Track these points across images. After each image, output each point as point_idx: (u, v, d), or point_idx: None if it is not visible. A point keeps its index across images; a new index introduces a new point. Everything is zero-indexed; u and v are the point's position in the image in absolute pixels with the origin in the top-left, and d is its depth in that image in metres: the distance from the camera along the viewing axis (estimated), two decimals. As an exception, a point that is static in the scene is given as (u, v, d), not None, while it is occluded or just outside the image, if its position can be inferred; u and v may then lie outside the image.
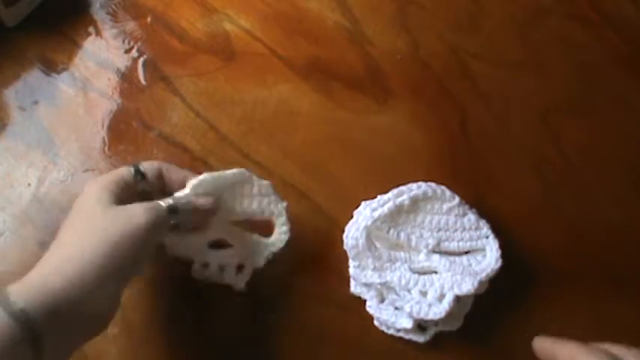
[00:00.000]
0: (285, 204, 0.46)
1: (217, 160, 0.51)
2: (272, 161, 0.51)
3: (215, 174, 0.43)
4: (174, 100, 0.53)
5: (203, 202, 0.42)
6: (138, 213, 0.38)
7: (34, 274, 0.34)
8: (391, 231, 0.46)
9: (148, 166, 0.43)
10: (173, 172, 0.43)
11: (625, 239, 0.52)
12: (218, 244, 0.46)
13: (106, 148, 0.51)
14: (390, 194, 0.47)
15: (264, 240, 0.46)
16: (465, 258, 0.47)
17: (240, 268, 0.46)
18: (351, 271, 0.47)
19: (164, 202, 0.40)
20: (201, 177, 0.43)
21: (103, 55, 0.54)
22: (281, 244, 0.46)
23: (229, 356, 0.46)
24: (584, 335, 0.36)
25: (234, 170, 0.44)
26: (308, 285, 0.48)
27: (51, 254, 0.36)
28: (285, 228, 0.46)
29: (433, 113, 0.55)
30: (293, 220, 0.46)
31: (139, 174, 0.42)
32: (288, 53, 0.56)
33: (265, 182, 0.45)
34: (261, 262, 0.46)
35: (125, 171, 0.41)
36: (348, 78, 0.55)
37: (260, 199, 0.45)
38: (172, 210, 0.40)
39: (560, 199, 0.53)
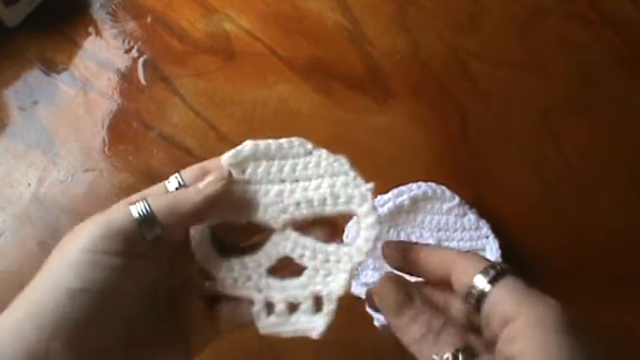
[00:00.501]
0: (370, 185, 0.31)
1: (217, 160, 0.51)
2: (272, 161, 0.51)
3: (260, 143, 0.31)
4: (174, 100, 0.53)
5: (207, 186, 0.29)
6: (78, 229, 0.28)
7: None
8: (391, 231, 0.46)
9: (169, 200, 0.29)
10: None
11: (625, 239, 0.52)
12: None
13: (106, 148, 0.51)
14: (390, 194, 0.47)
15: (345, 249, 0.31)
16: (465, 258, 0.47)
17: (317, 301, 0.32)
18: (351, 271, 0.47)
19: (135, 205, 0.28)
20: (231, 152, 0.31)
21: (103, 55, 0.54)
22: (367, 246, 0.31)
23: (229, 356, 0.46)
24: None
25: (290, 139, 0.31)
26: (308, 285, 0.48)
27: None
28: (371, 220, 0.31)
29: (433, 113, 0.55)
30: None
31: (146, 218, 0.28)
32: (288, 53, 0.56)
33: (338, 156, 0.32)
34: (345, 285, 0.31)
35: (122, 215, 0.28)
36: (348, 78, 0.55)
37: (331, 181, 0.31)
38: (144, 218, 0.28)
39: (560, 199, 0.53)
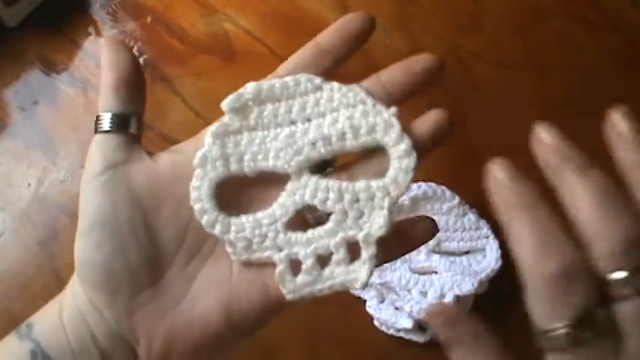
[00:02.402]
0: (393, 110, 0.28)
1: (217, 160, 0.51)
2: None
3: (263, 84, 0.29)
4: (174, 100, 0.53)
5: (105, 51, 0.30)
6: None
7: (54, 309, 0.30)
8: (391, 231, 0.46)
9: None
10: None
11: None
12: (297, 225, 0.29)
13: (106, 148, 0.51)
14: (390, 194, 0.47)
15: (378, 183, 0.28)
16: (464, 258, 0.47)
17: (352, 249, 0.28)
18: (351, 271, 0.47)
19: (99, 127, 0.29)
20: (231, 96, 0.29)
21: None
22: (407, 179, 0.27)
23: (228, 355, 0.46)
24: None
25: (294, 76, 0.29)
26: (308, 285, 0.48)
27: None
28: (405, 146, 0.28)
29: (433, 113, 0.55)
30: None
31: (118, 119, 0.29)
32: (288, 53, 0.55)
33: (351, 86, 0.29)
34: (386, 223, 0.27)
35: (97, 141, 0.29)
36: (348, 78, 0.55)
37: (347, 113, 0.28)
38: (117, 116, 0.29)
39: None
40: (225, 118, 0.29)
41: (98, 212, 0.28)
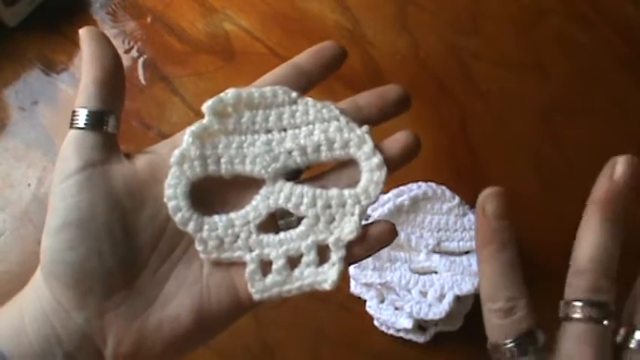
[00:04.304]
0: (365, 128, 0.29)
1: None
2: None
3: (243, 91, 0.30)
4: (174, 100, 0.53)
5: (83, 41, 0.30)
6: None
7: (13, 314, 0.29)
8: (391, 231, 0.46)
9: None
10: None
11: (625, 239, 0.52)
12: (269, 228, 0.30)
13: (106, 148, 0.51)
14: (390, 194, 0.47)
15: (350, 191, 0.29)
16: (465, 258, 0.47)
17: (322, 253, 0.29)
18: (351, 271, 0.47)
19: (74, 124, 0.29)
20: (212, 99, 0.30)
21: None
22: (377, 190, 0.29)
23: (228, 355, 0.46)
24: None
25: (273, 87, 0.30)
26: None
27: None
28: (376, 160, 0.29)
29: (433, 113, 0.55)
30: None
31: (96, 117, 0.29)
32: (288, 53, 0.55)
33: (325, 102, 0.30)
34: (356, 228, 0.29)
35: (70, 138, 0.29)
36: (348, 78, 0.55)
37: (323, 127, 0.29)
38: (93, 114, 0.28)
39: (560, 199, 0.53)
40: (205, 120, 0.29)
41: (74, 211, 0.27)
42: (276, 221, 0.30)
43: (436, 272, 0.46)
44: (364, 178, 0.29)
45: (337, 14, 0.57)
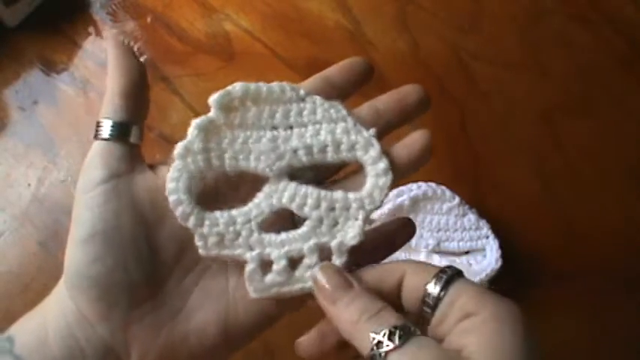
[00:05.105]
0: (372, 131, 0.29)
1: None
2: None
3: (251, 85, 0.29)
4: (174, 100, 0.53)
5: (109, 50, 0.30)
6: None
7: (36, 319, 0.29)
8: (391, 231, 0.46)
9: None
10: None
11: (625, 239, 0.52)
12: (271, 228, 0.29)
13: (106, 148, 0.51)
14: (390, 194, 0.47)
15: (355, 195, 0.28)
16: (464, 258, 0.47)
17: (324, 256, 0.28)
18: (351, 271, 0.47)
19: (99, 134, 0.29)
20: (220, 92, 0.29)
21: (103, 55, 0.54)
22: (381, 195, 0.28)
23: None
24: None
25: (281, 83, 0.29)
26: (308, 285, 0.48)
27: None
28: (382, 165, 0.28)
29: (433, 113, 0.54)
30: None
31: (120, 128, 0.29)
32: (288, 53, 0.56)
33: (333, 102, 0.29)
34: (359, 233, 0.28)
35: (96, 147, 0.29)
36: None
37: (329, 127, 0.29)
38: (118, 125, 0.28)
39: (560, 199, 0.53)
40: (211, 114, 0.28)
41: (100, 222, 0.27)
42: (279, 220, 0.29)
43: (436, 272, 0.46)
44: (369, 182, 0.28)
45: (337, 14, 0.57)
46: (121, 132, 0.28)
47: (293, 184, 0.28)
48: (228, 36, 0.56)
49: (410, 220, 0.31)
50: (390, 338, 0.24)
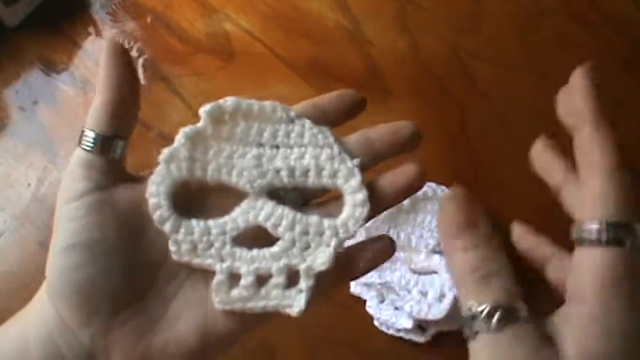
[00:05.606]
0: (356, 161, 0.29)
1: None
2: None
3: (243, 101, 0.29)
4: (174, 100, 0.53)
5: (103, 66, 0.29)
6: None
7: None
8: (391, 231, 0.46)
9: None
10: None
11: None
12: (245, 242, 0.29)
13: (106, 148, 0.51)
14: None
15: (330, 222, 0.29)
16: (465, 258, 0.47)
17: (292, 277, 0.28)
18: (351, 271, 0.47)
19: (80, 146, 0.29)
20: (211, 104, 0.30)
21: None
22: (356, 226, 0.29)
23: (227, 355, 0.46)
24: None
25: (273, 103, 0.29)
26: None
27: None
28: (361, 197, 0.29)
29: (433, 113, 0.55)
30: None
31: (101, 142, 0.28)
32: (288, 53, 0.56)
33: (322, 127, 0.29)
34: (328, 260, 0.28)
35: (76, 158, 0.29)
36: (348, 78, 0.55)
37: (314, 152, 0.29)
38: (101, 138, 0.28)
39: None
40: (200, 124, 0.29)
41: (83, 233, 0.27)
42: (255, 235, 0.29)
43: (436, 272, 0.46)
44: (345, 211, 0.29)
45: (337, 14, 0.57)
46: (103, 146, 0.28)
47: (271, 204, 0.29)
48: (228, 36, 0.56)
49: (390, 239, 0.30)
50: (488, 316, 0.23)
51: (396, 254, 0.46)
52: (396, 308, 0.46)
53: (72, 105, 0.52)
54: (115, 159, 0.29)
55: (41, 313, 0.28)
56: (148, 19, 0.56)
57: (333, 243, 0.28)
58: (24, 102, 0.52)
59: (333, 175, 0.29)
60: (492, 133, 0.54)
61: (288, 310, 0.28)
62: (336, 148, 0.29)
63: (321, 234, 0.28)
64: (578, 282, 0.24)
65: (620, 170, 0.25)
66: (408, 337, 0.46)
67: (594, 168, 0.26)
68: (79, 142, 0.29)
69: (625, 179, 0.25)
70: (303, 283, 0.28)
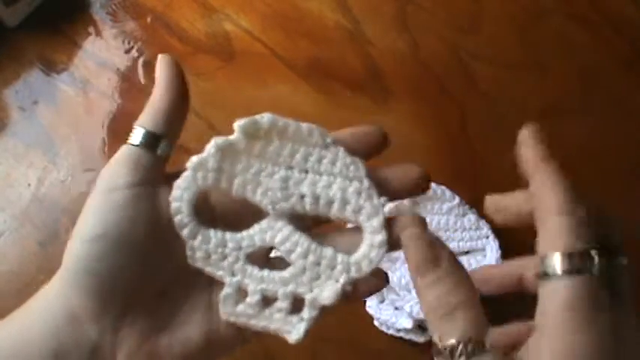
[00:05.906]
0: (383, 200, 0.28)
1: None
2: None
3: (279, 119, 0.29)
4: (174, 100, 0.53)
5: (161, 76, 0.30)
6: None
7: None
8: (391, 231, 0.46)
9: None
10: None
11: (625, 239, 0.52)
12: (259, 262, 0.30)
13: (106, 148, 0.51)
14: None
15: (343, 257, 0.28)
16: (464, 258, 0.47)
17: (297, 304, 0.29)
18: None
19: (130, 140, 0.29)
20: (247, 119, 0.29)
21: (103, 55, 0.54)
22: (369, 267, 0.28)
23: (227, 355, 0.46)
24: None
25: (310, 125, 0.29)
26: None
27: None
28: (380, 238, 0.28)
29: (433, 113, 0.55)
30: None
31: (150, 139, 0.29)
32: (288, 53, 0.56)
33: (355, 159, 0.29)
34: (335, 296, 0.28)
35: (125, 150, 0.29)
36: (348, 78, 0.55)
37: (342, 184, 0.28)
38: (149, 134, 0.28)
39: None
40: (233, 136, 0.29)
41: (115, 226, 0.27)
42: (265, 254, 0.30)
43: (436, 272, 0.46)
44: (361, 250, 0.28)
45: (337, 14, 0.57)
46: (150, 141, 0.29)
47: (289, 228, 0.29)
48: (228, 36, 0.56)
49: (386, 275, 0.30)
50: (451, 352, 0.24)
51: (396, 254, 0.46)
52: (396, 308, 0.46)
53: (72, 105, 0.52)
54: (160, 157, 0.29)
55: (47, 309, 0.28)
56: (148, 19, 0.56)
57: (342, 280, 0.28)
58: (24, 102, 0.52)
59: (357, 210, 0.28)
60: (492, 133, 0.54)
61: (286, 336, 0.29)
62: (365, 183, 0.28)
63: (332, 268, 0.28)
64: (543, 313, 0.25)
65: (573, 206, 0.27)
66: (408, 337, 0.46)
67: (548, 210, 0.27)
68: (126, 141, 0.29)
69: (579, 214, 0.27)
70: (306, 313, 0.28)
